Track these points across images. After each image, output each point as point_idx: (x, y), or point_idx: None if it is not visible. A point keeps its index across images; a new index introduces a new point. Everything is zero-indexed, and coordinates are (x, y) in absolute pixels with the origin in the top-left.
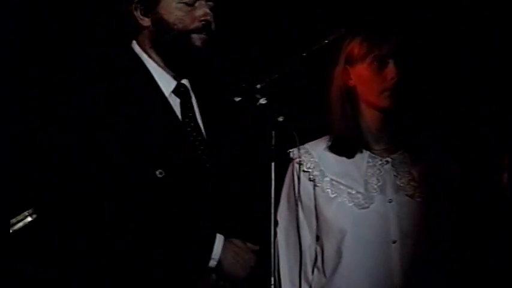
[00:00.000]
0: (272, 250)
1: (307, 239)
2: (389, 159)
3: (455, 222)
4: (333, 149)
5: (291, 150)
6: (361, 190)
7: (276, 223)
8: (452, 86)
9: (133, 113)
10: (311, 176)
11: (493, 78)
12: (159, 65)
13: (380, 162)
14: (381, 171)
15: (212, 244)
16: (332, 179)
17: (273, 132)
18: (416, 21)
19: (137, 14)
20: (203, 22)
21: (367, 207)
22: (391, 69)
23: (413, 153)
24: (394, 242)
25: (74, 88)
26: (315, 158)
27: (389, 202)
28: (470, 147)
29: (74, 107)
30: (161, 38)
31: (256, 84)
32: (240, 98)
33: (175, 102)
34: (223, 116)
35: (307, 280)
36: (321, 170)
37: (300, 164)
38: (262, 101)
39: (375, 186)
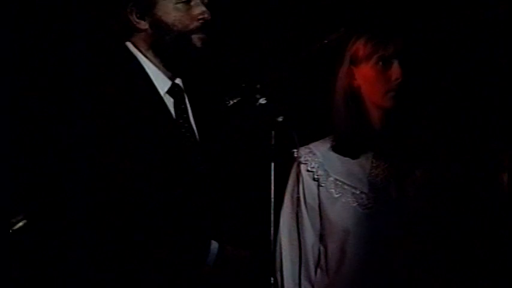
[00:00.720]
0: (272, 250)
1: (311, 238)
2: (393, 160)
3: (457, 222)
4: (337, 149)
5: (294, 149)
6: (365, 190)
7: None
8: (455, 86)
9: (130, 112)
10: (315, 176)
11: (495, 78)
12: (155, 65)
13: (384, 163)
14: (384, 172)
15: (207, 251)
16: (336, 179)
17: (273, 132)
18: (420, 22)
19: (133, 17)
20: (201, 21)
21: (371, 207)
22: (395, 69)
23: (416, 153)
24: (398, 242)
25: (71, 87)
26: (319, 158)
27: (393, 202)
28: (472, 147)
29: (71, 106)
30: (161, 40)
31: (256, 84)
32: (239, 98)
33: (169, 102)
34: (216, 117)
35: (310, 280)
36: (325, 170)
37: (303, 163)
38: (262, 101)
39: (379, 187)
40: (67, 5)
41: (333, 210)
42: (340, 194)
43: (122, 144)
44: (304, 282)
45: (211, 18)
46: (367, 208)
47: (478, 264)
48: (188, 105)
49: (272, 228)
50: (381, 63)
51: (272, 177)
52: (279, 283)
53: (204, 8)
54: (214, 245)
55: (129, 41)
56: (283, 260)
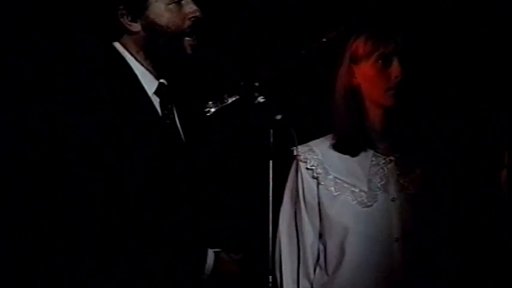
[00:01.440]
0: (271, 249)
1: (310, 236)
2: (392, 158)
3: (457, 220)
4: (337, 147)
5: (294, 147)
6: (365, 188)
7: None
8: (455, 84)
9: (117, 113)
10: (315, 174)
11: (495, 76)
12: (143, 66)
13: (383, 161)
14: (384, 170)
15: (205, 261)
16: (336, 177)
17: (271, 130)
18: (420, 20)
19: (124, 20)
20: (193, 19)
21: (371, 205)
22: (395, 67)
23: (416, 152)
24: (397, 240)
25: (59, 88)
26: (318, 155)
27: (393, 201)
28: (472, 144)
29: (61, 106)
30: (154, 42)
31: (254, 83)
32: (237, 96)
33: (156, 102)
34: (201, 118)
35: (308, 278)
36: (324, 168)
37: (303, 161)
38: (260, 99)
39: (379, 185)
40: (57, 6)
41: (332, 208)
42: (340, 192)
43: (111, 145)
44: (303, 281)
45: (208, 18)
46: (366, 206)
47: (478, 262)
48: (174, 105)
49: (270, 227)
50: (380, 61)
51: (270, 176)
52: (278, 281)
53: (195, 7)
54: (211, 254)
55: (118, 41)
56: (282, 258)
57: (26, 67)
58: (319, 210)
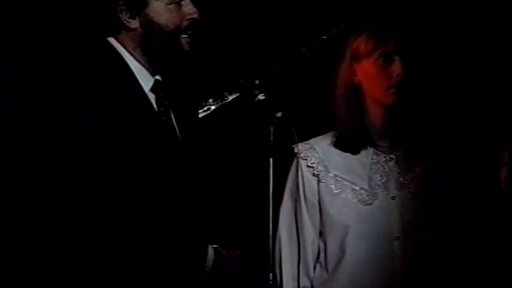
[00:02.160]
0: (271, 246)
1: (310, 234)
2: (393, 156)
3: (457, 219)
4: (338, 145)
5: (295, 145)
6: (365, 186)
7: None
8: (456, 82)
9: (114, 110)
10: (315, 172)
11: (495, 75)
12: (139, 63)
13: (384, 159)
14: (384, 168)
15: (205, 257)
16: (336, 175)
17: (272, 128)
18: (422, 18)
19: (123, 16)
20: (191, 20)
21: (371, 203)
22: (397, 65)
23: (417, 150)
24: (397, 238)
25: (54, 85)
26: (319, 153)
27: (393, 199)
28: (472, 143)
29: (58, 104)
30: (152, 40)
31: (255, 80)
32: (237, 94)
33: (152, 99)
34: (197, 116)
35: (308, 276)
36: (325, 166)
37: (303, 159)
38: (261, 96)
39: (379, 183)
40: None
41: (333, 206)
42: (340, 190)
43: (105, 143)
44: (302, 278)
45: (208, 16)
46: (367, 204)
47: (478, 260)
48: (169, 103)
49: (271, 224)
50: (382, 59)
51: (271, 173)
52: (278, 279)
53: (194, 8)
54: (211, 250)
55: (114, 37)
56: (283, 256)
57: (22, 64)
58: (320, 208)
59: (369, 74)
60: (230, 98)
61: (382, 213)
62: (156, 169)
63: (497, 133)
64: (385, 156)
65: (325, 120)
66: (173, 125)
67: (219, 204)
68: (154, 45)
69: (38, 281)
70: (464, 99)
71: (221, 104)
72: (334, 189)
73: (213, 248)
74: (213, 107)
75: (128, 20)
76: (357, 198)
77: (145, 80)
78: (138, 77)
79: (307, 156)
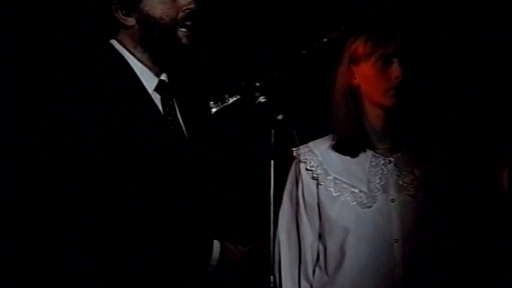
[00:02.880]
0: (272, 248)
1: (309, 237)
2: (392, 159)
3: (457, 221)
4: (337, 147)
5: (294, 148)
6: (364, 189)
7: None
8: (455, 85)
9: (118, 112)
10: (314, 175)
11: (495, 76)
12: (142, 63)
13: (383, 162)
14: (383, 171)
15: (210, 251)
16: (335, 178)
17: (272, 130)
18: (421, 20)
19: (118, 14)
20: (188, 11)
21: (370, 206)
22: (395, 68)
23: (416, 153)
24: (397, 241)
25: (59, 88)
26: (318, 156)
27: (392, 202)
28: (472, 146)
29: (60, 106)
30: (149, 35)
31: (256, 83)
32: (238, 97)
33: (156, 100)
34: (203, 114)
35: (307, 279)
36: (324, 169)
37: (302, 162)
38: (262, 99)
39: (378, 186)
40: (53, 5)
41: (332, 209)
42: (339, 193)
43: (111, 145)
44: (302, 282)
45: (208, 18)
46: (366, 207)
47: (478, 263)
48: (175, 102)
49: (272, 227)
50: (380, 61)
51: (272, 176)
52: (277, 282)
53: None
54: (217, 244)
55: (114, 39)
56: (282, 259)
57: (24, 67)
58: (319, 210)
59: (367, 76)
60: (231, 100)
61: (381, 216)
62: (161, 168)
63: (497, 135)
64: (384, 159)
65: (326, 123)
66: (179, 124)
67: (220, 206)
68: (152, 40)
69: (41, 281)
70: (464, 101)
71: (222, 106)
72: (334, 192)
73: (220, 243)
74: (214, 110)
75: (123, 17)
76: (356, 201)
77: (149, 81)
78: (141, 77)
79: (306, 159)
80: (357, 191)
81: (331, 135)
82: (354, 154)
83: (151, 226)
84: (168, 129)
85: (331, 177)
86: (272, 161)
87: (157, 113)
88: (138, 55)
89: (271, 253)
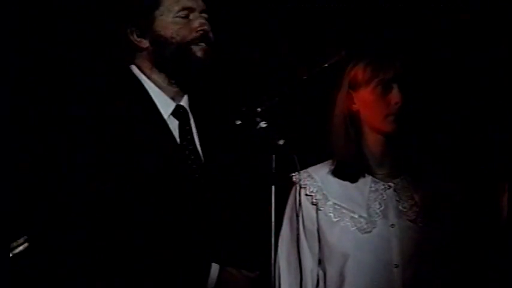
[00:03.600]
0: (272, 274)
1: (309, 262)
2: (391, 184)
3: (457, 247)
4: (336, 173)
5: (293, 174)
6: (364, 214)
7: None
8: (455, 110)
9: (132, 137)
10: (314, 200)
11: (496, 103)
12: (158, 86)
13: (382, 187)
14: (383, 196)
15: (208, 273)
16: (335, 203)
17: (274, 155)
18: (420, 45)
19: (133, 37)
20: (201, 32)
21: (370, 231)
22: (395, 93)
23: (415, 178)
24: (396, 266)
25: (75, 113)
26: (317, 182)
27: (392, 227)
28: (472, 170)
29: (75, 131)
30: (162, 54)
31: (257, 108)
32: (240, 122)
33: (173, 125)
34: (222, 139)
35: None
36: (323, 194)
37: (302, 187)
38: (263, 124)
39: (378, 211)
40: (72, 32)
41: (332, 234)
42: (339, 218)
43: (124, 170)
44: None
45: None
46: (366, 232)
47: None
48: (193, 126)
49: (272, 252)
50: (380, 87)
51: (273, 201)
52: None
53: (203, 20)
54: (215, 267)
55: (133, 63)
56: (282, 284)
57: (40, 92)
58: (319, 236)
59: (367, 102)
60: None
61: (381, 241)
62: (168, 192)
63: (497, 162)
64: (383, 184)
65: (326, 148)
66: (195, 149)
67: (222, 231)
68: (165, 59)
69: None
70: (464, 127)
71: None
72: (333, 217)
73: (219, 266)
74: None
75: (138, 39)
76: (355, 226)
77: (165, 106)
78: (157, 102)
79: (306, 184)
80: (356, 216)
81: (330, 161)
82: (353, 179)
83: (156, 247)
84: (182, 154)
85: (330, 203)
86: (273, 186)
87: (170, 138)
88: (155, 77)
89: (272, 278)
